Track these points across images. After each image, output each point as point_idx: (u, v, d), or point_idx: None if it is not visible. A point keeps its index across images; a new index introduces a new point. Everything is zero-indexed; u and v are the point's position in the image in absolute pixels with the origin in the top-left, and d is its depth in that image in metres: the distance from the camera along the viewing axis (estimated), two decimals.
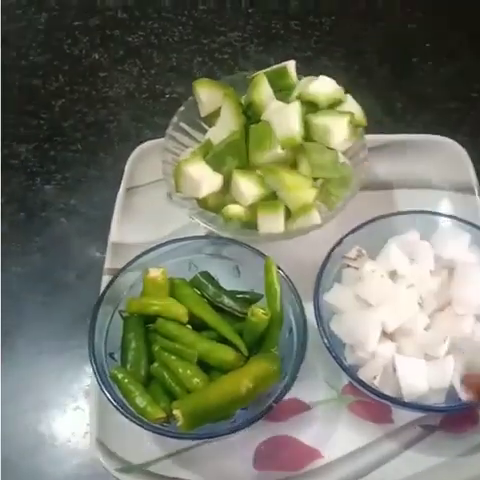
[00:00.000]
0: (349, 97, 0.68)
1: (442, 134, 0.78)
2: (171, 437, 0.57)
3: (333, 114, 0.65)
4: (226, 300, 0.63)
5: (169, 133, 0.70)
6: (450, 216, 0.67)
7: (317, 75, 0.69)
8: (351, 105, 0.67)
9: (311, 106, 0.65)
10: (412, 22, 0.93)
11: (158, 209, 0.74)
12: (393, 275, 0.62)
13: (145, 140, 0.78)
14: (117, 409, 0.56)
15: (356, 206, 0.67)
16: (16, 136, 0.84)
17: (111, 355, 0.61)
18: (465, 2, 0.94)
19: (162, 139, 0.71)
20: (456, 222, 0.65)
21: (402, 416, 0.62)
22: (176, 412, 0.55)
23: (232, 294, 0.64)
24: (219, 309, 0.63)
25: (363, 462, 0.61)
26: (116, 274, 0.63)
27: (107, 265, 0.71)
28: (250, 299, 0.64)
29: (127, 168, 0.76)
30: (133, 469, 0.61)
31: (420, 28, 0.92)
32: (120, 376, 0.58)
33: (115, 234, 0.73)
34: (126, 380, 0.58)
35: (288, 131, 0.63)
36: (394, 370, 0.58)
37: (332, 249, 0.63)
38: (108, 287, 0.62)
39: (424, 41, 0.91)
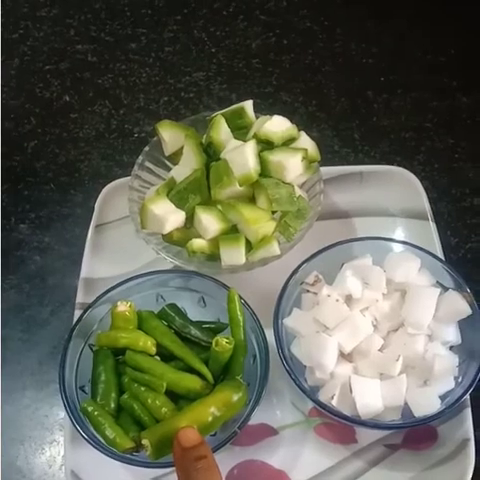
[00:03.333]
0: (303, 134, 0.71)
1: (398, 163, 0.82)
2: (139, 466, 0.58)
3: (287, 151, 0.68)
4: (192, 331, 0.65)
5: (135, 173, 0.73)
6: (401, 241, 0.70)
7: (277, 111, 0.72)
8: (305, 142, 0.70)
9: (267, 144, 0.68)
10: (367, 57, 0.97)
11: (127, 244, 0.76)
12: (348, 299, 0.64)
13: (115, 178, 0.81)
14: (87, 441, 0.58)
15: (316, 234, 0.70)
16: None
17: (82, 388, 0.63)
18: (416, 37, 0.98)
19: (129, 177, 0.74)
20: (407, 247, 0.68)
21: (366, 436, 0.65)
22: (145, 441, 0.57)
23: (198, 325, 0.66)
24: (186, 340, 0.65)
25: None
26: (85, 309, 0.65)
27: (79, 300, 0.73)
28: (216, 329, 0.67)
29: (97, 206, 0.78)
30: None
31: (375, 63, 0.96)
32: (90, 409, 0.60)
33: (86, 270, 0.75)
34: (96, 413, 0.60)
35: (245, 168, 0.66)
36: (350, 390, 0.60)
37: (290, 277, 0.66)
38: (78, 322, 0.64)
39: (378, 75, 0.94)
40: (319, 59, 0.97)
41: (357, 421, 0.60)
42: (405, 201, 0.78)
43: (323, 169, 0.73)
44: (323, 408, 0.60)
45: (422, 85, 0.93)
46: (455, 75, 0.94)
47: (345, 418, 0.60)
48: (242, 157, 0.66)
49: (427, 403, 0.60)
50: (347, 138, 0.89)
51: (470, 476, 0.61)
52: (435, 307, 0.63)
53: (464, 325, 0.65)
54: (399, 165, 0.81)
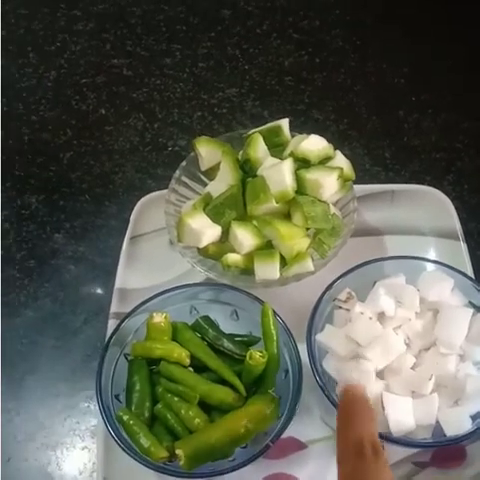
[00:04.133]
0: (338, 153, 0.72)
1: (428, 183, 0.83)
2: (173, 476, 0.59)
3: (323, 169, 0.69)
4: (225, 343, 0.66)
5: (171, 186, 0.74)
6: (435, 261, 0.70)
7: (309, 128, 0.74)
8: (340, 160, 0.71)
9: (303, 162, 0.70)
10: (399, 77, 0.98)
11: (161, 256, 0.78)
12: (381, 317, 0.65)
13: (148, 190, 0.82)
14: (122, 449, 0.59)
15: (347, 251, 0.70)
16: (27, 188, 0.89)
17: (117, 397, 0.64)
18: (447, 58, 1.00)
19: (164, 190, 0.75)
20: (440, 267, 0.69)
21: (394, 453, 0.65)
22: (178, 452, 0.58)
23: (231, 337, 0.67)
24: (219, 352, 0.66)
25: None
26: (122, 319, 0.66)
27: (113, 309, 0.74)
28: (248, 342, 0.68)
29: (132, 218, 0.80)
30: None
31: (406, 83, 0.97)
32: (125, 417, 0.61)
33: (120, 280, 0.76)
34: (131, 421, 0.61)
35: (282, 186, 0.67)
36: (383, 407, 0.61)
37: (323, 293, 0.67)
38: (115, 332, 0.65)
39: (410, 95, 0.96)
40: (351, 78, 0.99)
41: (389, 438, 0.60)
42: (436, 220, 0.79)
43: (355, 187, 0.74)
44: None
45: (453, 106, 0.94)
46: None
47: (378, 435, 0.60)
48: (279, 174, 0.67)
49: (458, 422, 0.60)
50: (378, 157, 0.90)
51: None
52: (468, 327, 0.63)
53: None
54: (429, 185, 0.82)
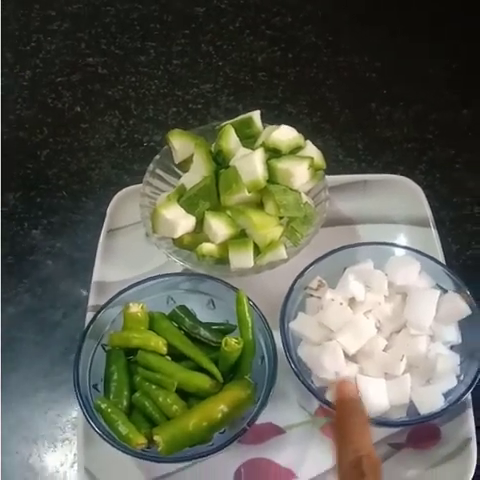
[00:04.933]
0: (309, 143, 0.74)
1: (400, 173, 0.84)
2: (152, 461, 0.60)
3: (294, 159, 0.70)
4: (202, 332, 0.67)
5: (146, 180, 0.75)
6: (402, 246, 0.72)
7: (283, 122, 0.74)
8: (311, 150, 0.73)
9: (274, 152, 0.71)
10: (370, 71, 1.00)
11: (137, 249, 0.79)
12: (352, 302, 0.66)
13: (125, 185, 0.83)
14: (101, 437, 0.60)
15: (320, 241, 0.72)
16: (4, 185, 0.89)
17: (95, 386, 0.65)
18: (418, 51, 1.02)
19: (140, 184, 0.76)
20: (408, 251, 0.70)
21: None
22: (156, 438, 0.59)
23: (208, 326, 0.68)
24: (196, 340, 0.67)
25: None
26: (98, 310, 0.67)
27: (91, 302, 0.75)
28: (224, 330, 0.69)
29: (108, 212, 0.81)
30: None
31: (377, 76, 0.99)
32: (103, 406, 0.61)
33: (98, 273, 0.77)
34: (109, 409, 0.61)
35: (253, 175, 0.68)
36: (358, 390, 0.62)
37: (295, 280, 0.68)
38: (91, 323, 0.66)
39: (381, 88, 0.97)
40: (323, 72, 1.00)
41: None
42: (407, 209, 0.80)
43: (328, 178, 0.76)
44: (332, 408, 0.62)
45: (423, 98, 0.96)
46: (456, 88, 0.97)
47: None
48: (251, 164, 0.68)
49: (431, 400, 0.62)
50: (351, 148, 0.91)
51: (472, 474, 0.63)
52: (436, 308, 0.65)
53: (464, 325, 0.67)
54: (401, 175, 0.84)
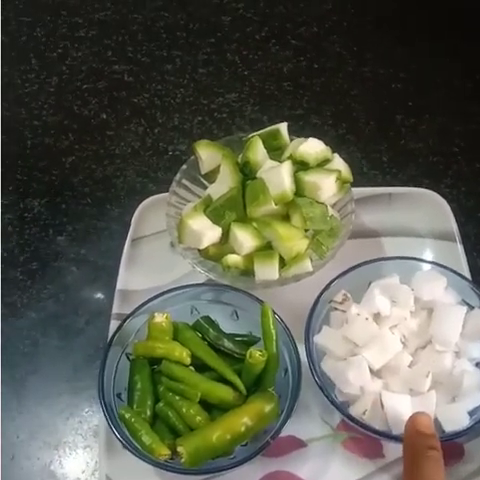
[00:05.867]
0: (336, 156, 0.73)
1: (425, 186, 0.84)
2: (175, 473, 0.60)
3: (322, 172, 0.70)
4: (226, 343, 0.67)
5: (172, 189, 0.76)
6: (428, 261, 0.72)
7: (308, 133, 0.75)
8: (338, 163, 0.73)
9: (302, 165, 0.71)
10: (396, 82, 0.99)
11: (161, 258, 0.79)
12: (377, 317, 0.66)
13: (149, 194, 0.83)
14: (125, 446, 0.60)
15: (345, 253, 0.71)
16: (30, 191, 0.90)
17: (118, 395, 0.65)
18: (443, 63, 1.01)
19: (165, 193, 0.77)
20: (434, 266, 0.70)
21: (393, 451, 0.65)
22: (180, 449, 0.59)
23: (231, 337, 0.68)
24: (219, 351, 0.67)
25: None
26: (124, 319, 0.67)
27: (115, 310, 0.75)
28: (248, 341, 0.69)
29: (133, 220, 0.81)
30: None
31: (403, 87, 0.99)
32: (127, 415, 0.62)
33: (122, 281, 0.77)
34: (133, 419, 0.61)
35: (281, 188, 0.68)
36: (382, 405, 0.61)
37: (320, 294, 0.67)
38: (117, 331, 0.66)
39: (407, 100, 0.97)
40: (348, 83, 1.00)
41: (389, 436, 0.61)
42: (433, 223, 0.80)
43: (353, 190, 0.75)
44: (355, 423, 0.61)
45: (449, 110, 0.96)
46: None
47: (377, 432, 0.61)
48: (278, 177, 0.68)
49: (456, 418, 0.61)
50: (375, 160, 0.91)
51: None
52: (462, 324, 0.65)
53: None
54: (426, 188, 0.83)
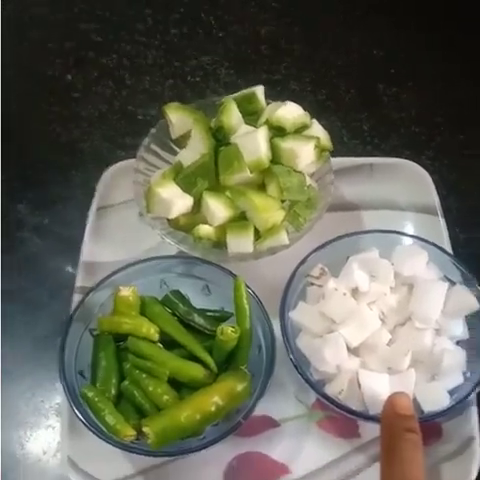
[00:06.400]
0: (315, 122, 0.70)
1: (407, 157, 0.81)
2: (140, 454, 0.57)
3: (299, 139, 0.67)
4: (196, 318, 0.64)
5: (140, 155, 0.71)
6: (409, 235, 0.69)
7: (286, 99, 0.71)
8: (317, 130, 0.69)
9: (278, 131, 0.67)
10: (378, 49, 0.96)
11: (130, 228, 0.75)
12: (355, 292, 0.63)
13: (117, 160, 0.79)
14: (87, 427, 0.57)
15: (323, 226, 0.69)
16: None
17: (81, 373, 0.62)
18: (429, 31, 0.97)
19: (133, 160, 0.72)
20: (415, 241, 0.67)
21: (369, 431, 0.64)
22: (146, 429, 0.56)
23: (202, 312, 0.65)
24: (189, 327, 0.64)
25: (332, 477, 0.63)
26: (87, 293, 0.64)
27: (78, 284, 0.71)
28: (220, 317, 0.66)
29: (98, 188, 0.77)
30: None
31: (386, 55, 0.95)
32: (90, 394, 0.59)
33: (86, 253, 0.73)
34: (96, 398, 0.59)
35: (256, 154, 0.64)
36: (359, 384, 0.59)
37: (296, 268, 0.65)
38: (79, 306, 0.63)
39: (389, 68, 0.93)
40: (329, 49, 0.96)
41: (366, 416, 0.59)
42: (414, 195, 0.77)
43: (333, 160, 0.72)
44: (331, 402, 0.59)
45: (433, 79, 0.92)
46: (467, 70, 0.93)
47: (353, 413, 0.59)
48: (254, 142, 0.64)
49: (436, 398, 0.59)
50: (356, 130, 0.87)
51: (475, 474, 0.61)
52: (443, 301, 0.62)
53: (471, 320, 0.64)
54: (408, 159, 0.80)
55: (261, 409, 0.63)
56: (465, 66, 0.93)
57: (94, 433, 0.57)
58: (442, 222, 0.75)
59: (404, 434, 0.51)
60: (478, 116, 0.89)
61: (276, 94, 0.87)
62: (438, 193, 0.77)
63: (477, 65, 0.93)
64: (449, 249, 0.72)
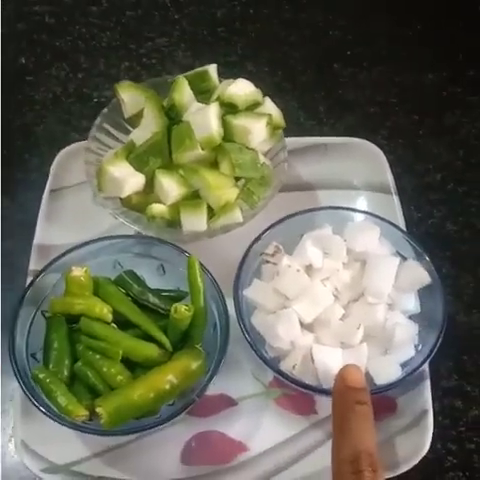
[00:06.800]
0: (267, 100, 0.70)
1: (362, 137, 0.81)
2: (92, 434, 0.57)
3: (251, 116, 0.67)
4: (151, 298, 0.64)
5: (92, 134, 0.70)
6: (360, 211, 0.70)
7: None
8: (269, 107, 0.69)
9: (230, 108, 0.67)
10: (334, 29, 0.96)
11: (84, 211, 0.74)
12: (309, 269, 0.64)
13: (72, 143, 0.78)
14: (38, 408, 0.56)
15: (278, 206, 0.69)
16: None
17: (33, 355, 0.61)
18: (384, 11, 0.98)
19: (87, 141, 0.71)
20: (367, 217, 0.68)
21: (326, 407, 0.64)
22: (99, 409, 0.55)
23: (157, 292, 0.65)
24: (144, 307, 0.64)
25: (290, 453, 0.63)
26: (37, 274, 0.63)
27: (32, 267, 0.70)
28: (175, 297, 0.65)
29: (52, 169, 0.76)
30: (58, 469, 0.61)
31: (341, 36, 0.95)
32: (41, 376, 0.58)
33: (40, 236, 0.72)
34: (48, 380, 0.58)
35: (207, 131, 0.64)
36: (312, 359, 0.59)
37: (250, 246, 0.65)
38: (29, 287, 0.62)
39: (345, 48, 0.94)
40: (285, 30, 0.96)
41: (319, 390, 0.60)
42: (369, 174, 0.77)
43: (287, 140, 0.72)
44: (285, 378, 0.59)
45: (388, 59, 0.93)
46: (421, 51, 0.94)
47: (306, 387, 0.59)
48: (205, 119, 0.64)
49: (388, 371, 0.60)
50: (312, 110, 0.87)
51: (428, 446, 0.61)
52: (395, 276, 0.63)
53: (423, 294, 0.65)
54: (363, 139, 0.80)
55: (218, 388, 0.64)
56: (422, 48, 0.94)
57: (45, 414, 0.56)
58: (396, 200, 0.75)
59: (355, 406, 0.52)
60: (431, 96, 0.90)
61: (233, 76, 0.86)
62: (393, 172, 0.77)
63: (434, 47, 0.94)
64: (403, 227, 0.72)
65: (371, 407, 0.53)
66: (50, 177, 0.75)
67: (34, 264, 0.70)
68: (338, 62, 0.92)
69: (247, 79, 0.71)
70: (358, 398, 0.52)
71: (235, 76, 0.81)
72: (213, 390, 0.62)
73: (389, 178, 0.77)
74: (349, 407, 0.52)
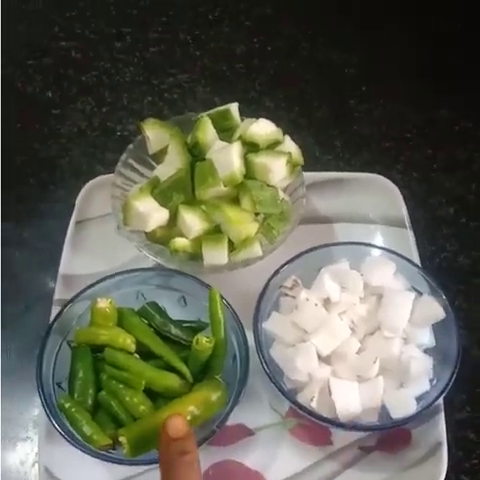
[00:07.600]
0: (287, 138, 0.72)
1: (378, 172, 0.83)
2: (114, 463, 0.58)
3: (272, 154, 0.69)
4: (173, 329, 0.65)
5: (118, 169, 0.73)
6: (377, 246, 0.71)
7: (260, 115, 0.73)
8: (289, 145, 0.71)
9: (252, 146, 0.69)
10: (349, 67, 0.99)
11: (108, 242, 0.76)
12: (327, 303, 0.65)
13: (96, 175, 0.80)
14: (64, 437, 0.58)
15: (297, 239, 0.70)
16: None
17: (59, 384, 0.63)
18: (397, 49, 1.01)
19: (112, 175, 0.74)
20: (383, 252, 0.69)
21: (341, 438, 0.65)
22: (122, 439, 0.57)
23: (179, 323, 0.66)
24: (166, 338, 0.65)
25: None
26: (65, 304, 0.64)
27: (57, 296, 0.72)
28: (196, 328, 0.67)
29: (78, 202, 0.78)
30: None
31: (357, 73, 0.98)
32: (67, 405, 0.59)
33: (65, 266, 0.74)
34: (73, 409, 0.59)
35: (230, 169, 0.66)
36: (329, 392, 0.61)
37: (269, 279, 0.66)
38: (56, 317, 0.64)
39: (360, 85, 0.96)
40: (302, 67, 0.99)
41: (336, 423, 0.61)
42: (384, 209, 0.79)
43: (305, 175, 0.74)
44: (303, 411, 0.60)
45: (402, 96, 0.95)
46: (435, 87, 0.96)
47: (324, 420, 0.60)
48: (227, 158, 0.66)
49: (404, 405, 0.61)
50: (328, 146, 0.90)
51: (442, 479, 0.62)
52: (410, 311, 0.64)
53: (437, 328, 0.66)
54: (379, 174, 0.82)
55: (236, 418, 0.64)
56: (433, 83, 0.96)
57: (70, 442, 0.57)
58: (411, 234, 0.77)
59: (178, 458, 0.51)
60: (444, 130, 0.92)
61: (251, 111, 0.89)
62: (407, 206, 0.79)
63: (446, 83, 0.97)
64: (418, 260, 0.74)
65: (196, 453, 0.52)
66: (75, 209, 0.78)
67: (59, 294, 0.72)
68: (353, 98, 0.95)
69: (265, 115, 0.73)
70: (181, 448, 0.51)
71: (253, 112, 0.84)
72: (231, 420, 0.63)
73: (404, 213, 0.79)
74: (173, 459, 0.51)
